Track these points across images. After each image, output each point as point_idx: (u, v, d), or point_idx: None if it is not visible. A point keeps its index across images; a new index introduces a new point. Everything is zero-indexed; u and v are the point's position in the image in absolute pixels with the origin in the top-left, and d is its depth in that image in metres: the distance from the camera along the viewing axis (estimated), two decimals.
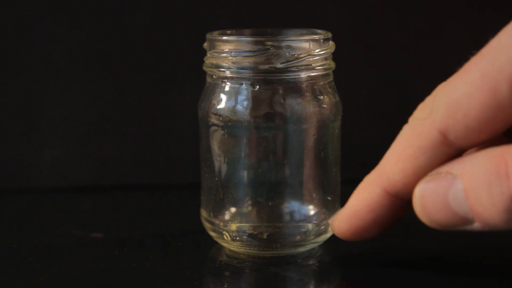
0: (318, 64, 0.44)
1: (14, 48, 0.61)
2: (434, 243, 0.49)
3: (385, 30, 0.63)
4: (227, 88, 0.44)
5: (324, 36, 0.45)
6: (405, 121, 0.68)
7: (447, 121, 0.32)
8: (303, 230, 0.46)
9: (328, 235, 0.47)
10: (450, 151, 0.33)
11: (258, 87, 0.44)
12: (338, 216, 0.40)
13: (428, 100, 0.35)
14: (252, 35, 0.47)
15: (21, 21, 0.60)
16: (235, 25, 0.51)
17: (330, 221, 0.40)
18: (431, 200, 0.33)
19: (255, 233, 0.45)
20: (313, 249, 0.47)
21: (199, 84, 0.47)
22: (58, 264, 0.46)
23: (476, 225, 0.32)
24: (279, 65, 0.43)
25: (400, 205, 0.36)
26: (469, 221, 0.32)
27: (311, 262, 0.46)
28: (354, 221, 0.38)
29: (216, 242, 0.48)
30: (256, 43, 0.43)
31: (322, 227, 0.46)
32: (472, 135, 0.32)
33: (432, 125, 0.33)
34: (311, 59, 0.44)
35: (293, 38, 0.44)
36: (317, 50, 0.44)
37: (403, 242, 0.49)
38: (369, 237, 0.39)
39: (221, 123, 0.45)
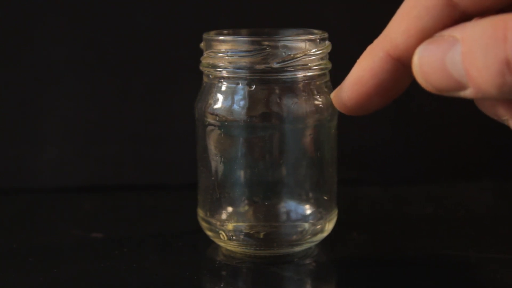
0: (314, 64, 0.44)
1: (14, 49, 0.61)
2: (431, 243, 0.49)
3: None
4: (223, 88, 0.45)
5: (320, 36, 0.45)
6: (401, 121, 0.69)
7: None
8: (299, 229, 0.46)
9: (325, 234, 0.47)
10: (455, 13, 0.32)
11: (254, 87, 0.44)
12: (341, 86, 0.38)
13: None
14: (248, 35, 0.47)
15: (22, 21, 0.61)
16: (233, 25, 0.51)
17: (332, 94, 0.39)
18: (429, 62, 0.32)
19: (251, 232, 0.46)
20: (310, 248, 0.47)
21: (199, 84, 0.47)
22: (58, 264, 0.46)
23: (470, 91, 0.31)
24: (275, 65, 0.43)
25: (402, 71, 0.35)
26: (463, 86, 0.31)
27: (307, 261, 0.46)
28: (356, 88, 0.36)
29: (213, 242, 0.48)
30: (252, 43, 0.43)
31: (319, 227, 0.46)
32: None
33: None
34: (307, 59, 0.44)
35: (289, 38, 0.44)
36: (313, 50, 0.44)
37: (400, 241, 0.49)
38: (371, 108, 0.37)
39: (218, 123, 0.45)
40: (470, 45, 0.30)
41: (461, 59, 0.31)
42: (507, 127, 0.34)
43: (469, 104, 0.66)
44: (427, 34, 0.33)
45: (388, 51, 0.35)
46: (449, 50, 0.31)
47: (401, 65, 0.35)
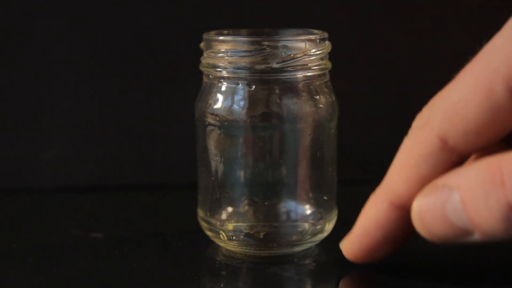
0: (314, 64, 0.44)
1: (14, 48, 0.61)
2: (432, 244, 0.49)
3: (382, 30, 0.63)
4: (223, 88, 0.45)
5: (320, 36, 0.45)
6: (401, 121, 0.68)
7: (445, 126, 0.32)
8: (299, 229, 0.46)
9: (325, 234, 0.47)
10: (452, 157, 0.33)
11: (254, 87, 0.44)
12: (348, 237, 0.39)
13: (425, 109, 0.35)
14: (248, 35, 0.47)
15: (21, 21, 0.61)
16: (233, 25, 0.51)
17: (341, 244, 0.39)
18: (430, 215, 0.33)
19: (251, 232, 0.45)
20: (310, 248, 0.47)
21: (199, 84, 0.47)
22: (58, 264, 0.46)
23: (476, 236, 0.31)
24: (275, 65, 0.43)
25: (408, 218, 0.35)
26: (468, 232, 0.31)
27: (307, 261, 0.46)
28: (365, 240, 0.37)
29: (213, 242, 0.48)
30: (252, 43, 0.43)
31: (319, 227, 0.46)
32: (472, 139, 0.32)
33: (431, 132, 0.33)
34: (307, 59, 0.44)
35: (289, 38, 0.44)
36: (313, 50, 0.44)
37: None
38: (382, 256, 0.38)
39: (218, 123, 0.45)
40: (468, 192, 0.31)
41: (461, 207, 0.31)
42: None
43: None
44: (428, 181, 0.33)
45: (391, 201, 0.35)
46: (448, 200, 0.31)
47: (406, 213, 0.35)
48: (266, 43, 0.43)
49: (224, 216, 0.46)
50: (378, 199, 0.36)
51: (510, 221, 0.29)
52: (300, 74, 0.44)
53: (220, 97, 0.45)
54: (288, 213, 0.47)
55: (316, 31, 0.46)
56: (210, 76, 0.45)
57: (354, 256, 0.38)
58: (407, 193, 0.34)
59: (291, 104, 0.44)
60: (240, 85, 0.44)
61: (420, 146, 0.34)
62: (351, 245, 0.38)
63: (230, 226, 0.46)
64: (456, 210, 0.31)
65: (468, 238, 0.32)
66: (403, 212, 0.35)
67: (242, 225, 0.46)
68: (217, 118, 0.45)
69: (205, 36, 0.45)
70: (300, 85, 0.44)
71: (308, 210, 0.47)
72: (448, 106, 0.32)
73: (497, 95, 0.31)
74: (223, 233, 0.46)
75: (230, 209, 0.47)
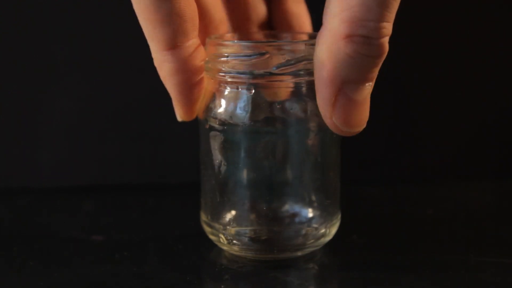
0: None
1: (14, 48, 0.61)
2: (432, 245, 0.49)
3: None
4: (226, 92, 0.44)
5: None
6: (404, 123, 0.68)
7: None
8: (302, 233, 0.46)
9: (328, 238, 0.47)
10: None
11: (256, 91, 0.44)
12: None
13: None
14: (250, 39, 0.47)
15: (21, 21, 0.60)
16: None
17: None
18: None
19: (254, 236, 0.45)
20: (312, 252, 0.47)
21: None
22: (58, 267, 0.46)
23: None
24: (276, 69, 0.43)
25: None
26: None
27: (310, 265, 0.46)
28: None
29: (214, 245, 0.48)
30: (254, 47, 0.43)
31: (321, 231, 0.46)
32: None
33: None
34: (308, 62, 0.44)
35: (290, 41, 0.44)
36: None
37: (401, 244, 0.49)
38: None
39: (220, 127, 0.45)
40: None
41: None
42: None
43: (469, 103, 0.66)
44: None
45: None
46: None
47: None
48: (267, 47, 0.43)
49: (226, 220, 0.46)
50: None
51: None
52: (301, 78, 0.44)
53: (222, 101, 0.44)
54: (290, 217, 0.47)
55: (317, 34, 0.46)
56: (212, 80, 0.45)
57: None
58: None
59: (293, 108, 0.44)
60: (242, 89, 0.44)
61: None
62: None
63: (232, 230, 0.46)
64: None
65: None
66: None
67: (244, 229, 0.46)
68: (220, 123, 0.45)
69: (206, 39, 0.45)
70: (302, 89, 0.44)
71: (310, 214, 0.47)
72: None
73: None
74: (223, 237, 0.46)
75: (232, 213, 0.47)
